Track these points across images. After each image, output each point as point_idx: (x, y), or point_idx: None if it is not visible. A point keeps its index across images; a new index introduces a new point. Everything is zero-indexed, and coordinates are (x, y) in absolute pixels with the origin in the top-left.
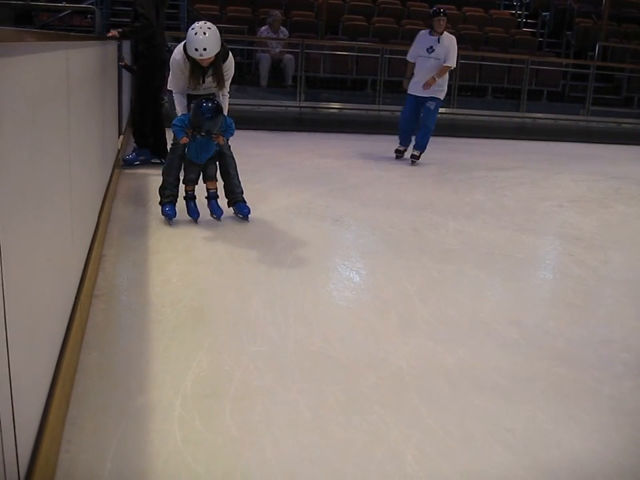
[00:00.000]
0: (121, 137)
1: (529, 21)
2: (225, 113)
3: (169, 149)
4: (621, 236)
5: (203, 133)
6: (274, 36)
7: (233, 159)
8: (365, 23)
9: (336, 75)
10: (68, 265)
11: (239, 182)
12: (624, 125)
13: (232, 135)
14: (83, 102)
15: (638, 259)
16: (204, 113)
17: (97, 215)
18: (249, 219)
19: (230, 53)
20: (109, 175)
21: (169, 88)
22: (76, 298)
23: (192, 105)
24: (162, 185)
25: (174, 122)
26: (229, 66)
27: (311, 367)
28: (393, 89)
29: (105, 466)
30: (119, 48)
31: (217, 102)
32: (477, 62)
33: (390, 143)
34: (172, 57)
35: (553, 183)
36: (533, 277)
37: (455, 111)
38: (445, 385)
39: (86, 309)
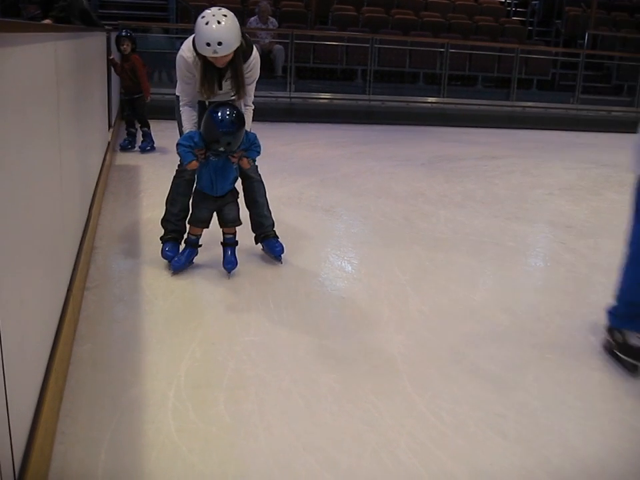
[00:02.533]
0: (111, 129)
1: (518, 9)
2: (248, 128)
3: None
4: (611, 223)
5: (220, 150)
6: (263, 26)
7: (262, 183)
8: (354, 13)
9: (326, 65)
10: (60, 256)
11: (269, 212)
12: (614, 113)
13: (258, 154)
14: (73, 94)
15: None
16: (220, 122)
17: (88, 207)
18: (282, 259)
19: (254, 48)
20: (100, 166)
21: (177, 94)
22: (68, 290)
23: (205, 114)
24: (164, 216)
25: (180, 141)
26: (253, 65)
27: (304, 356)
28: (383, 79)
29: (99, 457)
30: (108, 40)
31: (237, 109)
32: (466, 51)
33: (380, 132)
34: (178, 54)
35: (544, 171)
36: (524, 264)
37: (444, 100)
38: (437, 373)
39: (78, 300)
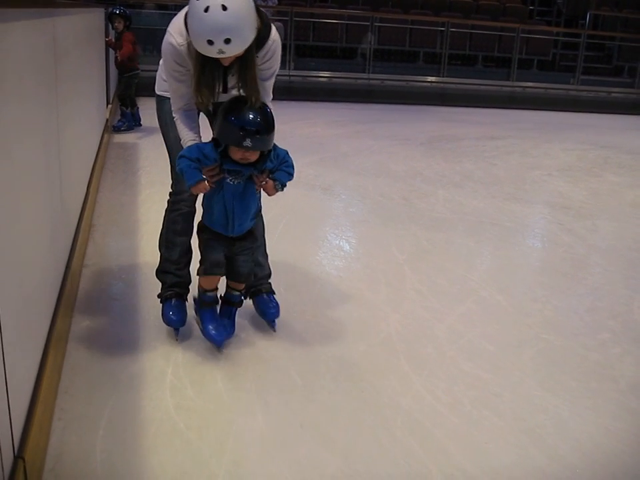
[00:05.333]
0: (109, 105)
1: None
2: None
3: None
4: (610, 205)
5: (245, 146)
6: (262, 3)
7: (261, 218)
8: None
9: (325, 43)
10: (58, 234)
11: (266, 257)
12: (614, 94)
13: (290, 177)
14: (71, 70)
15: (626, 227)
16: (243, 119)
17: (86, 185)
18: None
19: (273, 28)
20: (98, 144)
21: (157, 92)
22: (66, 268)
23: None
24: (160, 265)
25: (182, 152)
26: (273, 51)
27: (302, 334)
28: (383, 58)
29: (97, 433)
30: (107, 17)
31: (264, 104)
32: (467, 30)
33: (379, 111)
34: (165, 40)
35: (543, 152)
36: (521, 245)
37: (444, 79)
38: (433, 352)
39: (76, 278)
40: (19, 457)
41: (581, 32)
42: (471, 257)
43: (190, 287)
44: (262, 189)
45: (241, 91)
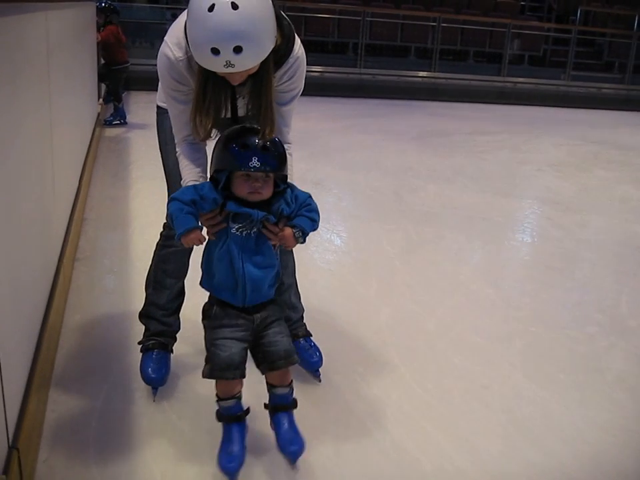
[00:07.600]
0: (101, 99)
1: None
2: (291, 178)
3: None
4: (599, 200)
5: (254, 169)
6: None
7: (292, 254)
8: None
9: (317, 37)
10: (50, 228)
11: (298, 297)
12: (604, 90)
13: (315, 225)
14: (63, 64)
15: (615, 222)
16: (243, 148)
17: (78, 178)
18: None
19: (297, 40)
20: (90, 137)
21: (158, 103)
22: (59, 261)
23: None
24: (144, 307)
25: (174, 195)
26: (295, 69)
27: None
28: (375, 53)
29: (90, 424)
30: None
31: (274, 138)
32: (458, 25)
33: (371, 105)
34: (160, 52)
35: (533, 147)
36: (511, 239)
37: (436, 74)
38: (423, 345)
39: (69, 272)
40: (13, 447)
41: (572, 28)
42: (461, 251)
43: (178, 335)
44: (280, 240)
45: (252, 118)
